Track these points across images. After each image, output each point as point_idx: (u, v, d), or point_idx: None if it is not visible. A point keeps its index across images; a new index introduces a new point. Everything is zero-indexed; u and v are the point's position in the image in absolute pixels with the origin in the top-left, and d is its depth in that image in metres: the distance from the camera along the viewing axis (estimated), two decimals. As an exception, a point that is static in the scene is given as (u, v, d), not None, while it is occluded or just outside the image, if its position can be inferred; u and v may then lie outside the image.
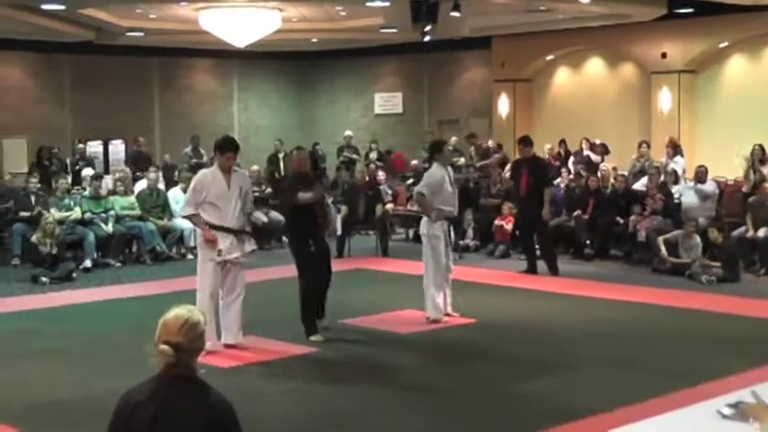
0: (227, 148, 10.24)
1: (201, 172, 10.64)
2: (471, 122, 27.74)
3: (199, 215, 10.12)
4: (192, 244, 17.56)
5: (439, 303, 11.91)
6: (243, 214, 10.35)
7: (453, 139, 24.88)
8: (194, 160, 23.05)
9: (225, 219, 10.17)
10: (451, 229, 12.27)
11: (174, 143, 27.04)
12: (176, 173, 21.18)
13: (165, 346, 3.77)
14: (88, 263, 17.07)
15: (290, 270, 11.76)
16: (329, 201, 16.16)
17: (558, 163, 22.19)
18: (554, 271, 15.95)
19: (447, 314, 12.06)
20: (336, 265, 12.69)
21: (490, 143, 24.29)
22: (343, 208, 19.10)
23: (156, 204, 18.58)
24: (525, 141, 16.35)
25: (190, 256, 17.56)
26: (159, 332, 3.82)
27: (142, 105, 28.58)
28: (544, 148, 22.88)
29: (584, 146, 22.76)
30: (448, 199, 11.95)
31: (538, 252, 16.29)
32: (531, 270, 16.08)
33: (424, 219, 11.91)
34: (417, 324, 11.94)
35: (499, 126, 27.15)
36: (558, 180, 20.00)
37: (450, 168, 12.42)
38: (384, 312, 12.63)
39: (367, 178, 20.47)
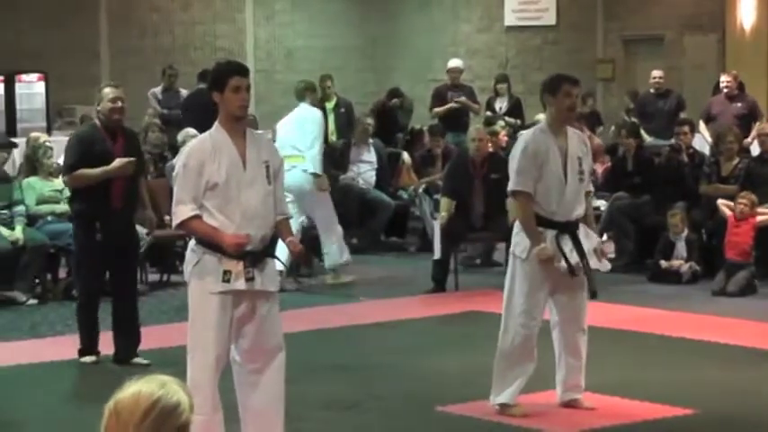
0: (233, 71, 6.66)
1: (197, 139, 7.31)
2: (686, 41, 19.34)
3: (200, 219, 6.73)
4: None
5: (509, 382, 7.91)
6: (272, 213, 6.80)
7: (656, 73, 16.52)
8: (166, 110, 15.64)
9: (239, 220, 6.68)
10: (573, 244, 7.63)
11: (132, 78, 17.41)
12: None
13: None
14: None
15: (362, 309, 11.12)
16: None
17: None
18: None
19: (568, 401, 7.98)
20: (433, 305, 11.17)
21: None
22: (445, 205, 12.35)
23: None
24: None
25: (178, 279, 11.76)
26: (106, 425, 2.96)
27: (78, 13, 18.72)
28: None
29: None
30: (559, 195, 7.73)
31: None
32: None
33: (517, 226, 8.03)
34: (579, 417, 7.83)
35: (737, 47, 18.31)
36: None
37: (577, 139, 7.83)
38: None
39: (490, 148, 12.93)
